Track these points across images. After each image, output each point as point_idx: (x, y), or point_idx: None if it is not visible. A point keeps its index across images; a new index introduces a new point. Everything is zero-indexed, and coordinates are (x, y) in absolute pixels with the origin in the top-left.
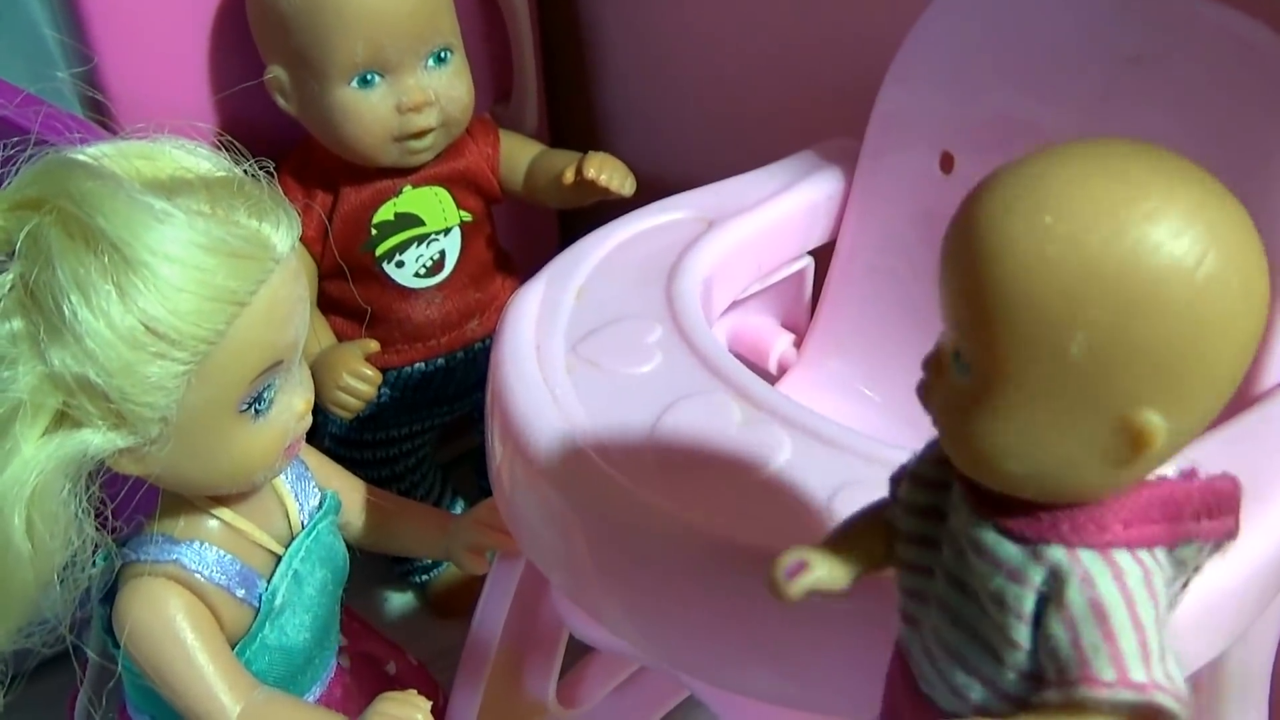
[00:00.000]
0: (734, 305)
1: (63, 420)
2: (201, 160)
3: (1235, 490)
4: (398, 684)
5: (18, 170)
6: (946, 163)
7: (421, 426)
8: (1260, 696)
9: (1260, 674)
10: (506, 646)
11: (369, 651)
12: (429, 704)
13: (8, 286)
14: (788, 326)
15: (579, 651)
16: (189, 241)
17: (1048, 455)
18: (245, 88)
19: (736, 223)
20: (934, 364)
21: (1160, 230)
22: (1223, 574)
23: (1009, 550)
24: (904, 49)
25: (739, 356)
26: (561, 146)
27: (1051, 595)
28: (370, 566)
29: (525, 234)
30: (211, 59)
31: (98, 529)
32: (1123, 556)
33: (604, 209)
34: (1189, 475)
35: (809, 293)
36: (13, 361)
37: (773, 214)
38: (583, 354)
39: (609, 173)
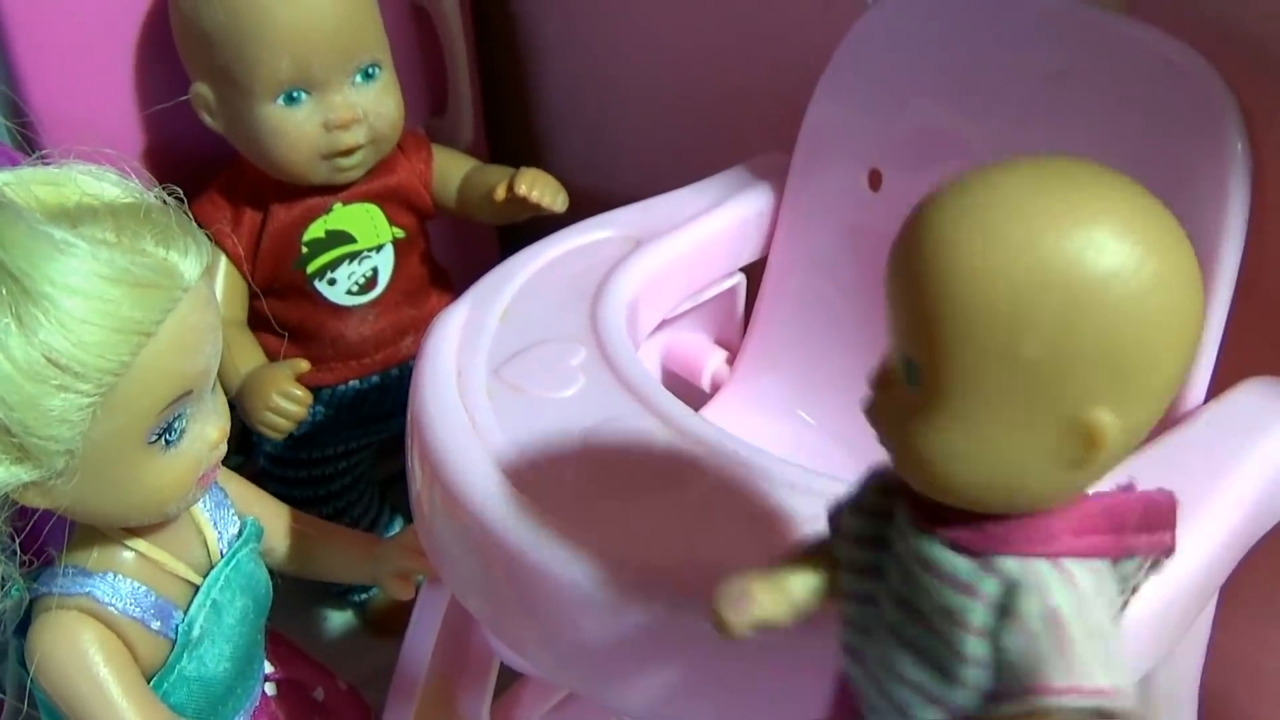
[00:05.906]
0: (666, 322)
1: None
2: (108, 186)
3: (1172, 504)
4: (325, 711)
5: None
6: (875, 179)
7: (357, 445)
8: (1189, 718)
9: (1188, 695)
10: (437, 671)
11: (296, 678)
12: None
13: None
14: (721, 343)
15: (513, 674)
16: (91, 272)
17: (1002, 461)
18: (174, 104)
19: (664, 241)
20: (881, 380)
21: (1104, 232)
22: (1145, 595)
23: (959, 563)
24: (831, 65)
25: (672, 374)
26: (499, 160)
27: (1004, 606)
28: (307, 585)
29: (464, 250)
30: (138, 76)
31: (4, 562)
32: (1074, 565)
33: (542, 224)
34: (1127, 488)
35: (741, 309)
36: None
37: (702, 231)
38: (505, 378)
39: (540, 189)
